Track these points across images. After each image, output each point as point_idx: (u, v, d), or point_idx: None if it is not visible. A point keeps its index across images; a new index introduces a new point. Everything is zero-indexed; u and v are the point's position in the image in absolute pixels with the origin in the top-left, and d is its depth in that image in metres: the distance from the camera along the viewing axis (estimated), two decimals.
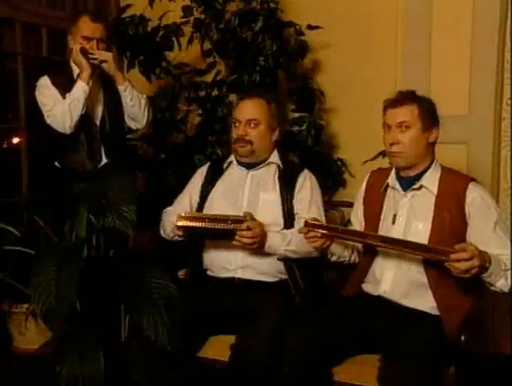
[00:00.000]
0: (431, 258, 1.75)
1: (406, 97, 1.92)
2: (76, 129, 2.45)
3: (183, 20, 2.98)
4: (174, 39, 3.03)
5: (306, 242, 1.94)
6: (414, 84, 2.75)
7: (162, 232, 2.26)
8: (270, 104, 2.19)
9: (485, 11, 2.66)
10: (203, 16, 2.93)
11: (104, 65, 2.47)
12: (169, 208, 2.28)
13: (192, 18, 2.96)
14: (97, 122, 2.56)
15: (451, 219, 1.86)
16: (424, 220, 1.90)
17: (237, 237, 1.97)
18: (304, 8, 3.06)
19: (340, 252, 2.03)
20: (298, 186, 2.15)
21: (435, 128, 1.93)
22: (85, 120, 2.48)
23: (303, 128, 2.92)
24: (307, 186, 2.17)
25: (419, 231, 1.89)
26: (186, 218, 2.03)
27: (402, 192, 1.96)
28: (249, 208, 2.11)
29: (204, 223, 2.00)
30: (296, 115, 2.99)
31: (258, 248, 2.03)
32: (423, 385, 1.65)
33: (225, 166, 2.25)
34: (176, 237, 2.16)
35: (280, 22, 2.90)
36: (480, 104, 2.71)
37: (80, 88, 2.40)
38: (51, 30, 3.26)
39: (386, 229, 1.97)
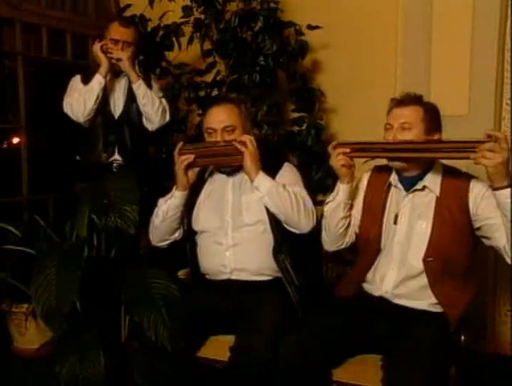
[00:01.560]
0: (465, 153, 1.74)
1: (412, 99, 1.92)
2: (95, 122, 2.65)
3: (183, 20, 2.99)
4: (174, 39, 3.04)
5: (287, 198, 2.01)
6: (414, 83, 2.76)
7: (151, 232, 2.24)
8: (241, 107, 2.19)
9: (485, 11, 2.66)
10: (203, 16, 2.93)
11: (120, 63, 2.64)
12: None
13: (192, 18, 2.96)
14: (116, 117, 2.72)
15: (451, 218, 1.87)
16: (426, 220, 1.91)
17: (239, 144, 2.04)
18: (304, 8, 3.06)
19: (347, 195, 1.98)
20: (277, 176, 2.12)
21: (437, 134, 1.92)
22: (105, 113, 2.67)
23: (303, 128, 2.92)
24: (286, 173, 2.15)
25: (423, 230, 1.90)
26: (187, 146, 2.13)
27: (404, 192, 1.97)
28: (235, 213, 2.13)
29: (204, 148, 2.11)
30: (296, 115, 2.99)
31: (255, 162, 2.04)
32: (427, 385, 1.65)
33: (207, 174, 2.25)
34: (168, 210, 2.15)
35: (280, 22, 2.90)
36: (480, 104, 2.71)
37: (96, 80, 2.60)
38: (51, 30, 3.26)
39: (388, 228, 1.97)
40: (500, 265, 2.66)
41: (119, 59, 2.63)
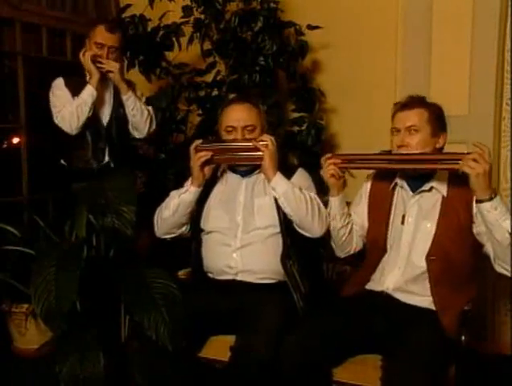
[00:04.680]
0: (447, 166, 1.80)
1: (416, 101, 1.94)
2: (83, 129, 2.58)
3: (183, 20, 2.98)
4: (174, 38, 3.04)
5: (302, 200, 2.00)
6: (414, 84, 2.77)
7: (157, 224, 2.21)
8: (259, 107, 2.19)
9: (485, 11, 2.66)
10: (203, 16, 2.93)
11: (110, 74, 2.60)
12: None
13: (192, 18, 2.96)
14: (105, 124, 2.68)
15: (456, 218, 1.87)
16: (431, 220, 1.92)
17: (260, 143, 2.03)
18: (304, 8, 3.06)
19: (339, 207, 2.04)
20: (291, 181, 2.11)
21: (443, 134, 1.94)
22: (93, 120, 2.61)
23: (303, 128, 2.92)
24: (299, 178, 2.16)
25: (427, 230, 1.92)
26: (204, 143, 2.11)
27: (411, 193, 1.98)
28: (246, 215, 2.12)
29: (223, 145, 2.10)
30: (296, 115, 2.99)
31: (274, 163, 2.04)
32: (427, 385, 1.65)
33: (219, 174, 2.24)
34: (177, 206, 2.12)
35: (280, 22, 2.90)
36: (480, 104, 2.71)
37: (89, 92, 2.55)
38: (51, 30, 3.26)
39: (396, 229, 1.99)
40: None
41: (109, 71, 2.58)
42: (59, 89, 2.60)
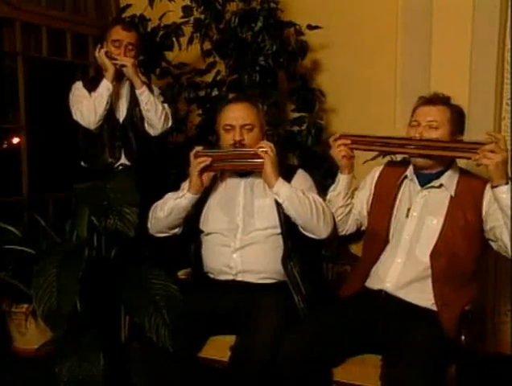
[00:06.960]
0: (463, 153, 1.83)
1: (441, 99, 1.96)
2: (101, 128, 2.62)
3: (183, 20, 2.99)
4: (174, 38, 3.04)
5: (306, 203, 1.99)
6: (415, 83, 2.77)
7: (151, 222, 2.20)
8: (258, 106, 2.18)
9: (485, 11, 2.66)
10: (203, 16, 2.93)
11: (124, 69, 2.62)
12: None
13: (191, 18, 2.96)
14: (120, 121, 2.70)
15: (464, 218, 1.88)
16: (438, 216, 1.93)
17: (260, 150, 2.01)
18: (304, 8, 3.06)
19: (346, 185, 2.07)
20: (292, 183, 2.11)
21: (460, 136, 1.96)
22: (110, 118, 2.65)
23: (303, 128, 2.92)
24: (300, 179, 2.15)
25: (433, 226, 1.92)
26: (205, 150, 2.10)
27: (419, 187, 1.98)
28: (245, 216, 2.11)
29: (222, 152, 2.09)
30: (296, 115, 2.99)
31: (275, 168, 2.02)
32: (426, 385, 1.66)
33: (218, 175, 2.22)
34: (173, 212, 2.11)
35: (280, 22, 2.90)
36: (480, 104, 2.71)
37: (104, 86, 2.59)
38: (51, 30, 3.26)
39: (399, 221, 2.00)
40: (500, 265, 2.67)
41: (123, 66, 2.60)
42: (77, 89, 2.65)
